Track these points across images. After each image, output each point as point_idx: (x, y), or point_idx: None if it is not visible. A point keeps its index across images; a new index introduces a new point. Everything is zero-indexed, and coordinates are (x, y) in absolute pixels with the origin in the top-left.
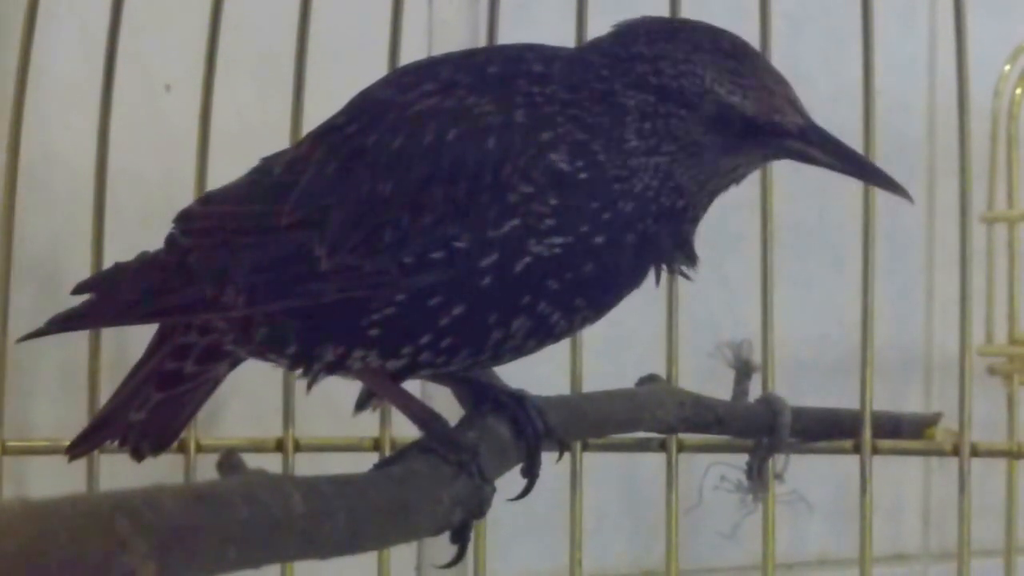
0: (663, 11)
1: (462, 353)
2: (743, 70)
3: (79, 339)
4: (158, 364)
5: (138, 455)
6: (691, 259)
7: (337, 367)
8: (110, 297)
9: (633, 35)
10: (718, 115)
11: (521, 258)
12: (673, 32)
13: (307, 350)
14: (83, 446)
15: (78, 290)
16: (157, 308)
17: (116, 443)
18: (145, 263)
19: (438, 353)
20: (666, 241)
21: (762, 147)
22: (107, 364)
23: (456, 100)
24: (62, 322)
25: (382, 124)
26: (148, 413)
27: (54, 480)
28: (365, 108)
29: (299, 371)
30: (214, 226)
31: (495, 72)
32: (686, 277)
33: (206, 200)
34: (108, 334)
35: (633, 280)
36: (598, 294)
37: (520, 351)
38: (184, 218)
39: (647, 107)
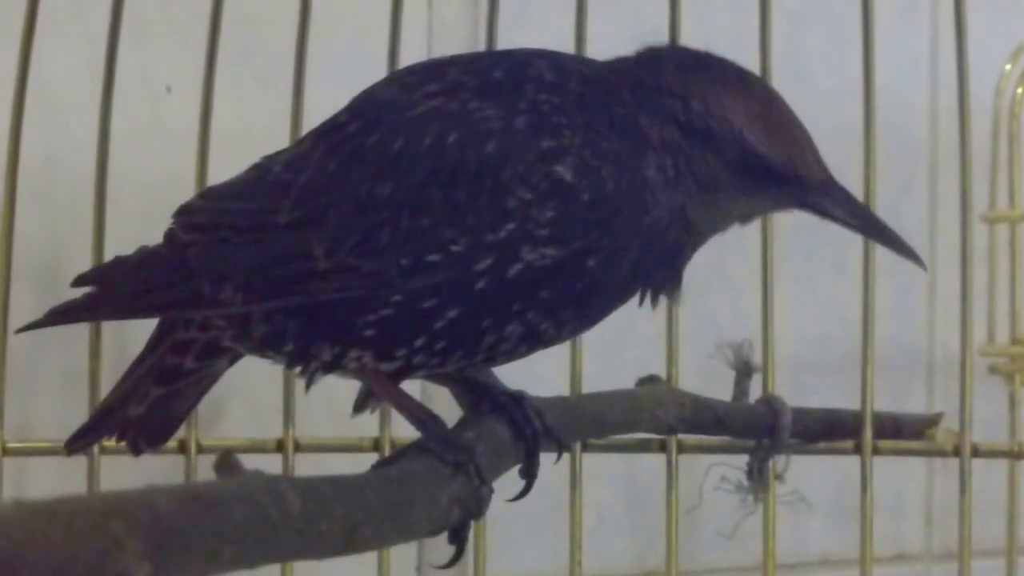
0: (662, 10)
1: (456, 355)
2: (771, 118)
3: (80, 340)
4: (158, 359)
5: (136, 449)
6: (677, 289)
7: (333, 366)
8: (109, 290)
9: (660, 64)
10: (743, 160)
11: (514, 264)
12: (703, 68)
13: (304, 349)
14: (82, 441)
15: (78, 282)
16: (155, 303)
17: (115, 438)
18: (145, 257)
19: (432, 355)
20: (658, 271)
21: (781, 196)
22: (108, 365)
23: (459, 103)
24: (61, 314)
25: (383, 124)
26: (147, 408)
27: (54, 481)
28: (367, 107)
29: (297, 369)
30: (213, 222)
31: (500, 77)
32: (674, 303)
33: (206, 195)
34: (108, 336)
35: (621, 299)
36: (586, 309)
37: (513, 355)
38: (184, 212)
39: (672, 143)
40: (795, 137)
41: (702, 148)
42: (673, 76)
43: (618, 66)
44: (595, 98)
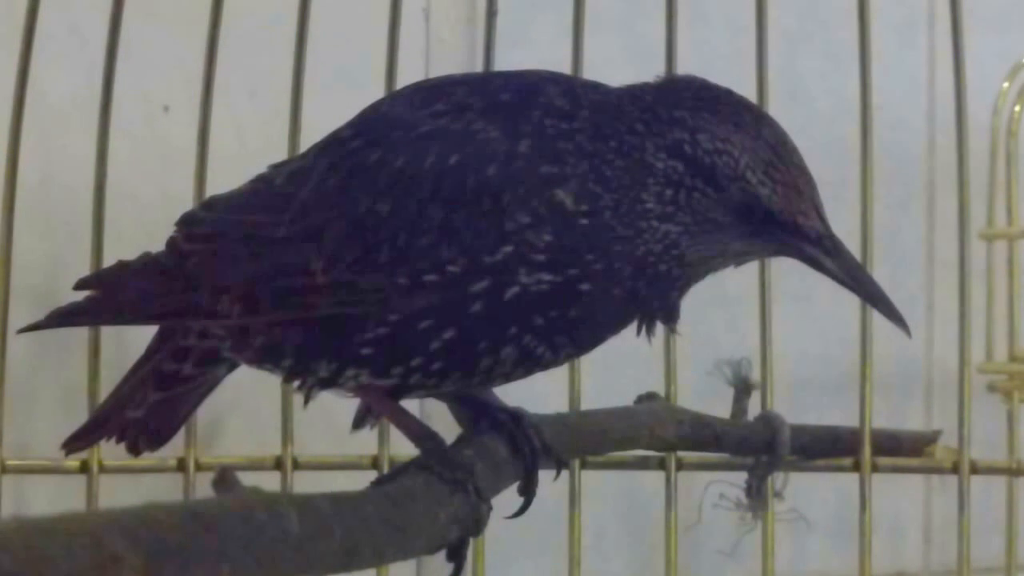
0: (659, 30)
1: (452, 377)
2: (778, 163)
3: (78, 359)
4: (157, 364)
5: (135, 450)
6: (672, 321)
7: (330, 383)
8: (111, 296)
9: (678, 96)
10: (743, 202)
11: (511, 287)
12: (718, 104)
13: (301, 364)
14: (80, 442)
15: (80, 286)
16: (155, 311)
17: (114, 439)
18: (147, 264)
19: (428, 375)
20: (652, 302)
21: (777, 243)
22: (106, 384)
23: (463, 124)
24: (63, 316)
25: (387, 141)
26: (146, 411)
27: (53, 499)
28: (372, 123)
29: (295, 384)
30: (214, 232)
31: (508, 99)
32: (672, 331)
33: (209, 205)
34: (107, 354)
35: (616, 328)
36: (580, 336)
37: (510, 378)
38: (186, 222)
39: (674, 175)
40: (799, 186)
41: (703, 183)
42: (687, 108)
43: (635, 92)
44: (604, 124)
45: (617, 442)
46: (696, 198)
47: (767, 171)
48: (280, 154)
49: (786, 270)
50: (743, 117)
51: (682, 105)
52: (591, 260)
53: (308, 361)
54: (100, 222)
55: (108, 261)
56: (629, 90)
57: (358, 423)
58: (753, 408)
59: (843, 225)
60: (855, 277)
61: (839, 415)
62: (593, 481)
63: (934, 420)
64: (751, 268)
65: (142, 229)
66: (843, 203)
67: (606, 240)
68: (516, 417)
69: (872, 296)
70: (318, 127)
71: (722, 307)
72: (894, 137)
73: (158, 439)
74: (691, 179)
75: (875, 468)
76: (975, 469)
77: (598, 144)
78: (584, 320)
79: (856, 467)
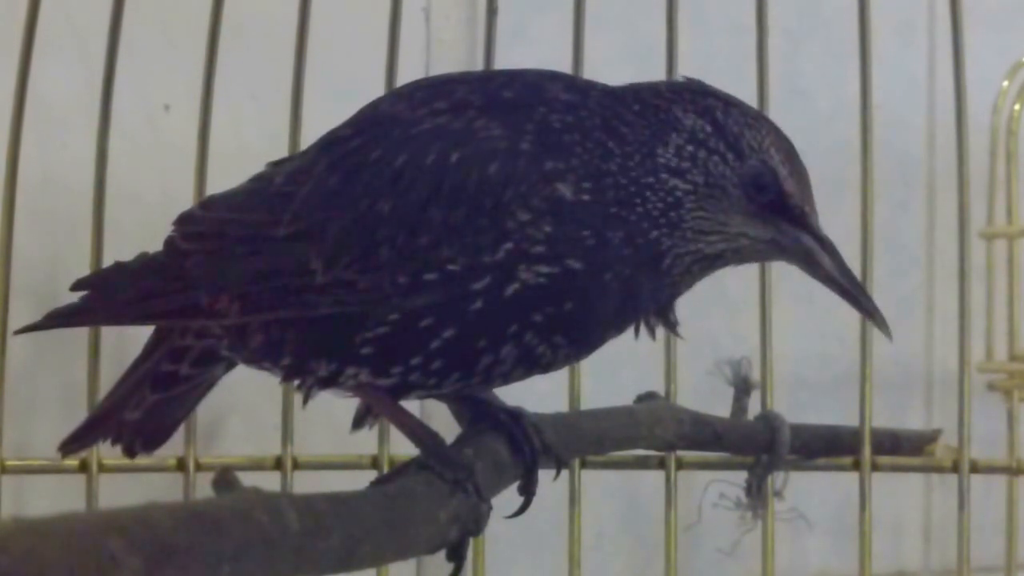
0: (659, 30)
1: (452, 376)
2: (794, 161)
3: (78, 359)
4: (154, 365)
5: (131, 452)
6: (669, 324)
7: (330, 382)
8: (109, 296)
9: (702, 83)
10: (758, 176)
11: (511, 284)
12: (744, 105)
13: (300, 363)
14: (77, 443)
15: (77, 286)
16: (153, 311)
17: (110, 441)
18: (144, 264)
19: (428, 375)
20: (645, 297)
21: (777, 228)
22: (106, 384)
23: (464, 122)
24: (61, 317)
25: (387, 140)
26: (143, 412)
27: (53, 499)
28: (372, 121)
29: (295, 384)
30: (213, 231)
31: (510, 97)
32: (676, 335)
33: (207, 204)
34: (106, 355)
35: (612, 329)
36: (577, 335)
37: (509, 378)
38: (184, 221)
39: (700, 133)
40: (809, 187)
41: (726, 147)
42: (718, 92)
43: (652, 84)
44: (624, 94)
45: (617, 442)
46: (714, 161)
47: (787, 158)
48: (280, 154)
49: (786, 271)
50: (766, 119)
51: (710, 87)
52: (586, 237)
53: (307, 360)
54: (100, 222)
55: (108, 261)
56: (645, 83)
57: (358, 423)
58: (753, 408)
59: (843, 225)
60: (849, 279)
61: (839, 415)
62: (593, 481)
63: (934, 419)
64: (751, 268)
65: (142, 229)
66: (843, 203)
67: (603, 211)
68: (516, 417)
69: (863, 302)
70: (318, 127)
71: (722, 307)
72: (894, 136)
73: (154, 441)
74: (715, 141)
75: (875, 467)
76: (975, 468)
77: (612, 111)
78: (580, 317)
79: (856, 466)
